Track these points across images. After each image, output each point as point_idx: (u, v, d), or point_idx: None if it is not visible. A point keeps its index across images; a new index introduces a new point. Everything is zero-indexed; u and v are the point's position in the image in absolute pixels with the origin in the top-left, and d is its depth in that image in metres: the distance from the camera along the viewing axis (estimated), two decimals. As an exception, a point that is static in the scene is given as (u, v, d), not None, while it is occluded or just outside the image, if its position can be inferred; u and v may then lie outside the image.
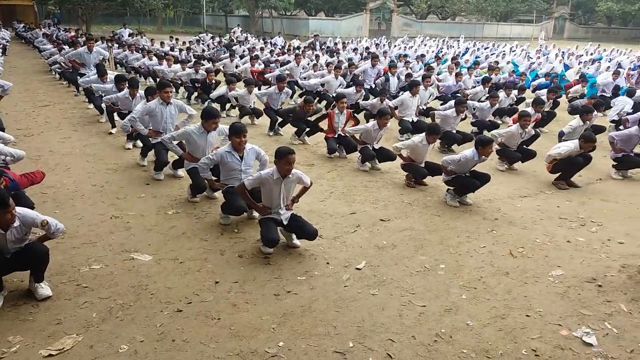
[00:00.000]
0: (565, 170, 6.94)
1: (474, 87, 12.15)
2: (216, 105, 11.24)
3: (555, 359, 3.35)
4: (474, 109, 9.59)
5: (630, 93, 11.24)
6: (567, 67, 18.99)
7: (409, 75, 12.22)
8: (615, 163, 7.58)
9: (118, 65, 17.64)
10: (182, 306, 3.81)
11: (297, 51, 17.81)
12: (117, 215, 5.49)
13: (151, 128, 7.01)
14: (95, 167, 7.15)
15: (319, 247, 4.86)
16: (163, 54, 15.38)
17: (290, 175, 4.71)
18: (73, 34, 25.58)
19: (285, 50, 20.96)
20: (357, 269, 4.48)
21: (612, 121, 10.62)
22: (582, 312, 3.90)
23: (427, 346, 3.44)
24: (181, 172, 6.72)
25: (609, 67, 18.22)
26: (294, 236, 4.86)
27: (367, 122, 8.55)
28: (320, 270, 4.44)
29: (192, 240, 4.94)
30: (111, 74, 10.12)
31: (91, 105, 10.79)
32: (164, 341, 3.41)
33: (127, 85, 8.47)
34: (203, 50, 22.11)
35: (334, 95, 10.19)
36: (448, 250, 4.93)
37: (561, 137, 8.19)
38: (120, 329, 3.53)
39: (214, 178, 5.60)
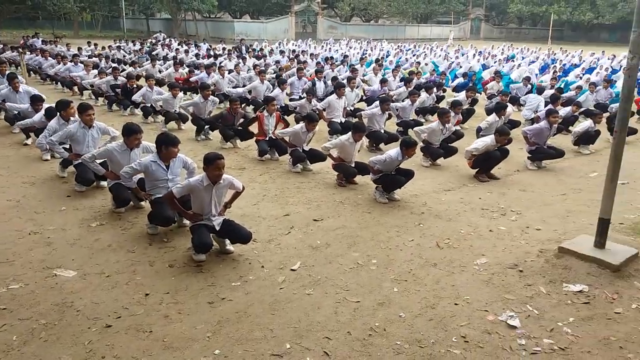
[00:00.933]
0: (485, 164, 7.32)
1: (398, 88, 12.54)
2: (139, 113, 10.90)
3: (483, 344, 3.52)
4: (397, 109, 9.90)
5: (539, 91, 12.02)
6: (485, 67, 20.05)
7: (335, 78, 12.40)
8: (529, 155, 8.09)
9: (32, 72, 16.62)
10: (110, 321, 3.65)
11: (220, 59, 17.53)
12: (36, 231, 5.17)
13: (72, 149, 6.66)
14: (9, 181, 6.69)
15: (253, 251, 4.82)
16: (81, 62, 14.62)
17: (221, 181, 4.64)
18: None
19: (211, 54, 20.65)
20: (292, 270, 4.49)
21: (529, 119, 11.06)
22: (505, 296, 4.13)
23: (362, 341, 3.51)
24: (105, 182, 6.43)
25: (520, 64, 19.41)
26: (227, 242, 4.79)
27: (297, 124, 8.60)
28: (255, 274, 4.41)
29: (118, 253, 4.75)
30: (24, 87, 9.51)
31: (2, 115, 10.09)
32: (93, 359, 3.25)
33: (43, 110, 7.93)
34: (124, 56, 21.31)
35: (263, 99, 10.15)
36: (379, 246, 5.05)
37: (479, 132, 8.63)
38: (44, 350, 3.33)
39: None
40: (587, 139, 9.11)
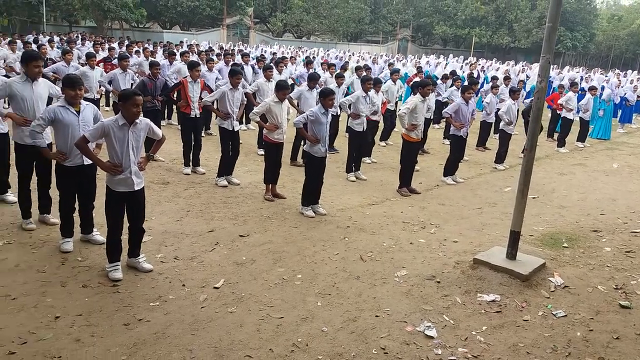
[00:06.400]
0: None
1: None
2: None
3: (402, 355, 3.61)
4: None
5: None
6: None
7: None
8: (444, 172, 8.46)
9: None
10: (15, 347, 3.41)
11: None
12: None
13: None
14: None
15: (174, 270, 4.68)
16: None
17: (138, 121, 4.29)
18: None
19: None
20: (215, 288, 4.40)
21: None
22: (424, 307, 4.27)
23: (284, 357, 3.50)
24: (10, 197, 5.95)
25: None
26: (142, 259, 4.61)
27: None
28: (175, 293, 4.28)
29: (27, 273, 4.44)
30: None
31: None
32: (-8, 390, 3.02)
33: None
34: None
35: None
36: (305, 260, 5.07)
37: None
38: None
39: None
40: (499, 157, 9.74)
